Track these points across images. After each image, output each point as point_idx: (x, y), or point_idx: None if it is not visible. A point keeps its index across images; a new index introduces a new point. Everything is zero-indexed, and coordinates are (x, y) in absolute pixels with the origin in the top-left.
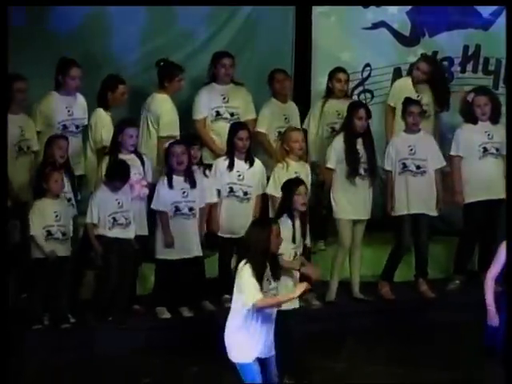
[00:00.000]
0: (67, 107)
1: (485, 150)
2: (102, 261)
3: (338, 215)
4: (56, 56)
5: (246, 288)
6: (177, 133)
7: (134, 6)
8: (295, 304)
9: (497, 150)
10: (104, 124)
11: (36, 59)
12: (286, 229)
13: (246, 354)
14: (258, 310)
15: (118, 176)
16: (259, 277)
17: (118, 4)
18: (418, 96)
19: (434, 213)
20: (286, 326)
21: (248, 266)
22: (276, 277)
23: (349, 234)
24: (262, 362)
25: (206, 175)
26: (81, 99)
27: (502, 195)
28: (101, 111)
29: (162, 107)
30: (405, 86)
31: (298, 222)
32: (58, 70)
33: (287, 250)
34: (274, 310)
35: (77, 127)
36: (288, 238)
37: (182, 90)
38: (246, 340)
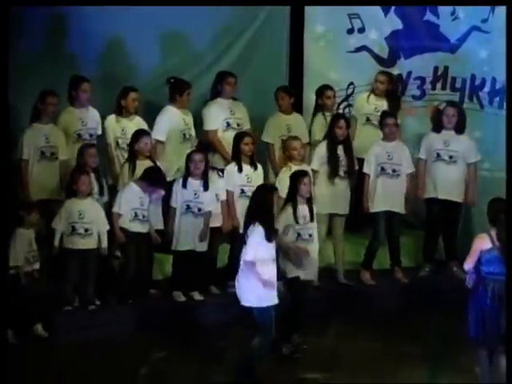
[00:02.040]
0: (81, 118)
1: (438, 155)
2: (121, 251)
3: (317, 210)
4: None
5: (249, 246)
6: (162, 139)
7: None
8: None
9: (450, 157)
10: (110, 129)
11: (62, 78)
12: (288, 213)
13: (254, 299)
14: (253, 265)
15: (157, 182)
16: (269, 236)
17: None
18: (376, 108)
19: (403, 211)
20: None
21: (259, 227)
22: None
23: (323, 226)
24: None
25: (220, 175)
26: (93, 111)
27: (451, 197)
28: (112, 116)
29: (162, 115)
30: (362, 99)
31: (303, 207)
32: (71, 85)
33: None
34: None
35: (90, 136)
36: (291, 221)
37: (190, 102)
38: (253, 286)
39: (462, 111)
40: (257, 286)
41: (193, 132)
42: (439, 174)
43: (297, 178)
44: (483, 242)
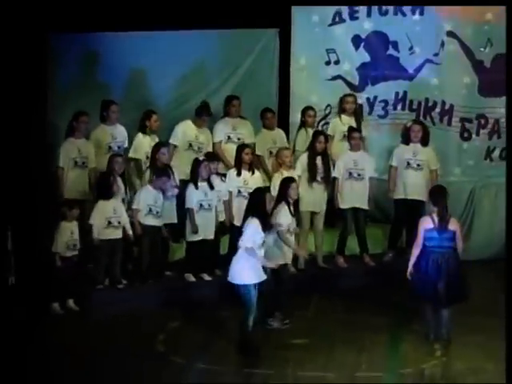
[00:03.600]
0: (111, 134)
1: (408, 164)
2: (138, 241)
3: (300, 208)
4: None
5: (250, 234)
6: (175, 143)
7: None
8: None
9: (418, 165)
10: (140, 144)
11: (93, 101)
12: (283, 210)
13: (247, 277)
14: (251, 249)
15: (166, 181)
16: (264, 226)
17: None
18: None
19: (367, 207)
20: (277, 279)
21: (255, 218)
22: (267, 229)
23: (307, 222)
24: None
25: (222, 180)
26: (121, 128)
27: (418, 197)
28: (139, 135)
29: (179, 126)
30: (336, 121)
31: (291, 207)
32: (102, 107)
33: (286, 224)
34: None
35: (118, 147)
36: (286, 215)
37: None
38: (248, 268)
39: (425, 128)
40: (254, 265)
41: (205, 146)
42: (409, 178)
43: (286, 183)
44: (426, 223)
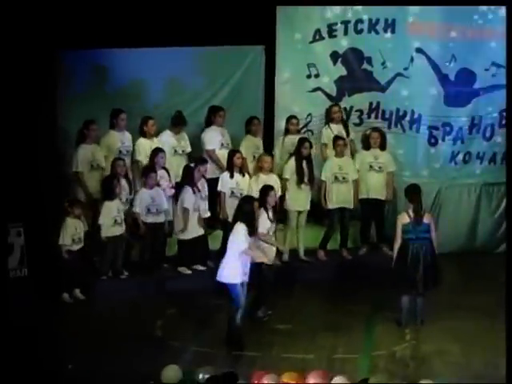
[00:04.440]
0: (121, 139)
1: (370, 167)
2: (140, 237)
3: (288, 207)
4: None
5: (239, 238)
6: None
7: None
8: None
9: (379, 167)
10: (142, 147)
11: (100, 109)
12: (263, 216)
13: (236, 277)
14: (240, 251)
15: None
16: (251, 231)
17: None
18: (339, 133)
19: (352, 206)
20: (263, 276)
21: (243, 225)
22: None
23: (294, 220)
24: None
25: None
26: (127, 134)
27: (380, 196)
28: (141, 139)
29: (161, 136)
30: (326, 131)
31: (270, 213)
32: (112, 116)
33: (265, 229)
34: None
35: (127, 151)
36: (265, 220)
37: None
38: (236, 268)
39: (383, 134)
40: (243, 265)
41: (187, 149)
42: (372, 180)
43: (265, 191)
44: (403, 218)
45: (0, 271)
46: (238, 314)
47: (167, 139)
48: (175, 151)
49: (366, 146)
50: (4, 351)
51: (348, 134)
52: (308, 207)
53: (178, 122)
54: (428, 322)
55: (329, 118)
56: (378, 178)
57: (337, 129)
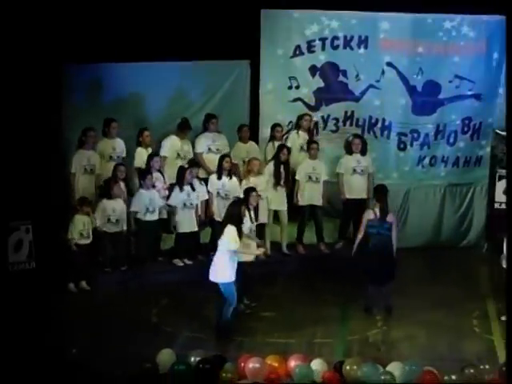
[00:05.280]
0: (112, 146)
1: (354, 170)
2: (138, 233)
3: (267, 206)
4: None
5: (231, 239)
6: (165, 154)
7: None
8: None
9: (362, 170)
10: (142, 156)
11: (99, 119)
12: (246, 216)
13: (230, 276)
14: (232, 251)
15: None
16: (239, 233)
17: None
18: (305, 140)
19: (321, 204)
20: (246, 271)
21: (233, 227)
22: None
23: (271, 217)
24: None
25: (202, 184)
26: (119, 141)
27: (362, 196)
28: (138, 148)
29: (166, 140)
30: (293, 137)
31: (252, 213)
32: (104, 124)
33: (247, 228)
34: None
35: (118, 157)
36: (247, 220)
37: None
38: (229, 268)
39: (363, 140)
40: (234, 265)
41: (189, 154)
42: (355, 182)
43: (247, 192)
44: (369, 215)
45: (11, 264)
46: (230, 310)
47: (172, 143)
48: (178, 155)
49: (349, 151)
50: (12, 338)
51: (312, 140)
52: (286, 206)
53: (183, 128)
54: (397, 309)
55: (298, 125)
56: (361, 180)
57: (303, 136)
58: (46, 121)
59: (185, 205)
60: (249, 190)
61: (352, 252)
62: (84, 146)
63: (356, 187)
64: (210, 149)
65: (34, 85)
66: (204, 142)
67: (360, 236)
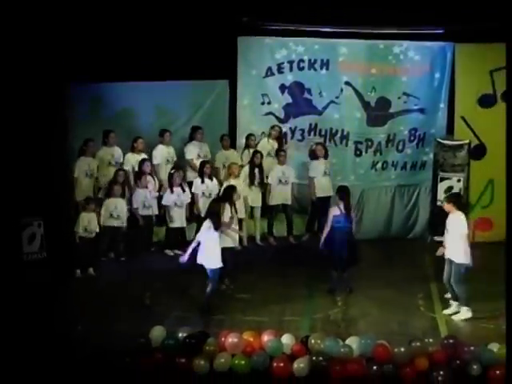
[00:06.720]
0: (111, 153)
1: (325, 173)
2: (136, 226)
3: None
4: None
5: (212, 231)
6: (157, 162)
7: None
8: (235, 244)
9: (329, 172)
10: (129, 161)
11: (99, 130)
12: (227, 210)
13: (217, 263)
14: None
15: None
16: (215, 227)
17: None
18: (273, 147)
19: (290, 202)
20: (225, 258)
21: (211, 222)
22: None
23: (248, 213)
24: None
25: (188, 186)
26: (117, 149)
27: (329, 194)
28: (129, 154)
29: (156, 150)
30: (264, 143)
31: (233, 207)
32: (104, 135)
33: (227, 218)
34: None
35: (116, 163)
36: (228, 214)
37: (174, 144)
38: (216, 256)
39: (325, 147)
40: (218, 252)
41: (174, 156)
42: (324, 182)
43: (229, 190)
44: (334, 211)
45: (25, 254)
46: (213, 290)
47: (160, 152)
48: (167, 161)
49: (314, 156)
50: (26, 317)
51: (281, 148)
52: (260, 204)
53: (162, 134)
54: (355, 291)
55: (269, 134)
56: (328, 180)
57: (272, 144)
58: (53, 131)
59: (176, 204)
60: (232, 189)
61: (320, 243)
62: (85, 153)
63: (325, 187)
64: (198, 155)
65: (44, 100)
66: (193, 150)
67: (327, 230)
